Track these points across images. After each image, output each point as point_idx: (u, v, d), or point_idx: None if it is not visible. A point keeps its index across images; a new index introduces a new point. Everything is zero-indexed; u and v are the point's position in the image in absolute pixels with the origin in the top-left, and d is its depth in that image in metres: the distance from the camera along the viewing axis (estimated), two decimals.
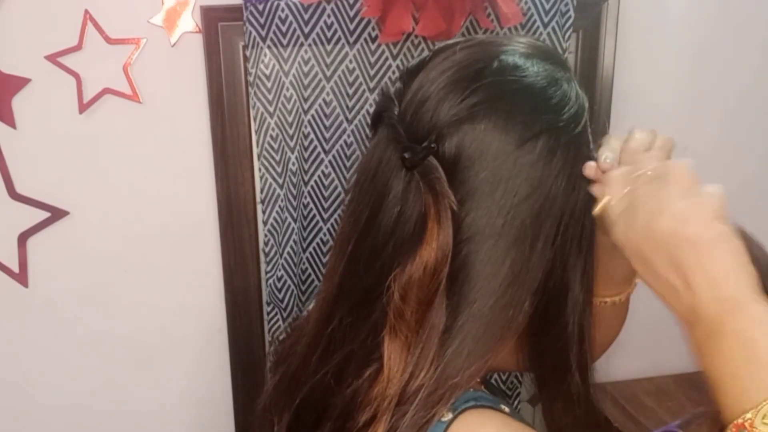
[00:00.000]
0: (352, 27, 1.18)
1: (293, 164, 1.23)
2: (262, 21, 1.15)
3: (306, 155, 1.24)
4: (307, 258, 1.30)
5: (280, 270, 1.27)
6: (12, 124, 1.17)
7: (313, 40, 1.18)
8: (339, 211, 1.28)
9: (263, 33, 1.16)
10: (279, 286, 1.27)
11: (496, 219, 0.56)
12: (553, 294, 0.60)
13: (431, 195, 0.55)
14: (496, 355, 0.58)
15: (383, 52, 1.21)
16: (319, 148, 1.24)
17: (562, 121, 0.58)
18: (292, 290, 1.29)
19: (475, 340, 0.56)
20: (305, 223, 1.28)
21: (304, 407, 0.64)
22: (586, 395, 0.65)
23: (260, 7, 1.14)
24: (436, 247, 0.55)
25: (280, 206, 1.24)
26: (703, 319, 0.51)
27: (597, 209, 0.58)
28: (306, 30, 1.17)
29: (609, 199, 0.56)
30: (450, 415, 0.57)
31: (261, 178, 1.23)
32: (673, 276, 0.52)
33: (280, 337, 0.78)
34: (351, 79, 1.21)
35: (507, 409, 0.60)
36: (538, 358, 0.66)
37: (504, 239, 0.56)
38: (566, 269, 0.60)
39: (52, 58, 1.14)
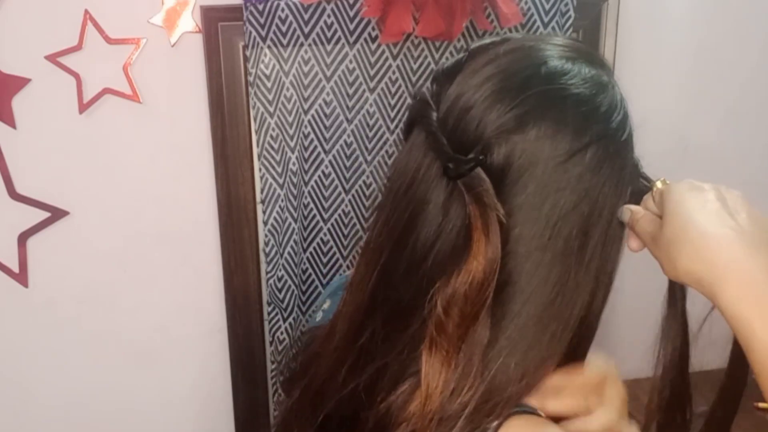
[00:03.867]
0: (352, 27, 1.18)
1: (293, 164, 1.23)
2: (262, 21, 1.15)
3: (306, 155, 1.24)
4: (307, 258, 1.30)
5: (280, 270, 1.27)
6: (12, 124, 1.17)
7: (313, 40, 1.18)
8: (339, 211, 1.28)
9: (263, 33, 1.16)
10: (279, 286, 1.27)
11: (543, 231, 0.54)
12: (600, 302, 0.59)
13: (478, 207, 0.53)
14: (548, 369, 0.56)
15: (383, 52, 1.21)
16: (319, 148, 1.24)
17: (610, 129, 0.56)
18: (293, 290, 1.29)
19: (523, 354, 0.55)
20: (305, 223, 1.28)
21: (330, 421, 0.62)
22: None
23: (260, 7, 1.14)
24: (483, 260, 0.53)
25: (280, 206, 1.24)
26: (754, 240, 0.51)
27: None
28: (306, 30, 1.17)
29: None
30: (495, 422, 0.55)
31: (261, 178, 1.23)
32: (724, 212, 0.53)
33: (291, 352, 0.75)
34: (351, 79, 1.21)
35: (543, 414, 0.59)
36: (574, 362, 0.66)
37: (550, 251, 0.55)
38: (610, 275, 0.59)
39: (52, 58, 1.14)
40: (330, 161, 1.25)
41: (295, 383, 0.69)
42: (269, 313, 1.29)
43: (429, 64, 1.23)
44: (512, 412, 0.56)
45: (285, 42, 1.17)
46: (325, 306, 0.81)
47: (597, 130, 0.55)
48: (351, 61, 1.21)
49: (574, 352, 0.62)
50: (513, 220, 0.54)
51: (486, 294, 0.53)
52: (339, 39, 1.19)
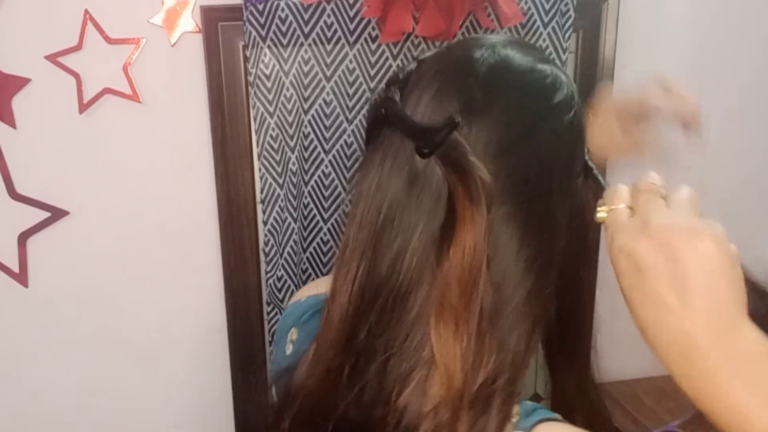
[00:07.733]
0: (352, 27, 1.18)
1: (293, 164, 1.23)
2: (262, 21, 1.15)
3: (306, 155, 1.24)
4: (307, 258, 1.30)
5: (280, 270, 1.27)
6: (12, 124, 1.17)
7: (313, 40, 1.18)
8: (339, 211, 1.28)
9: (263, 33, 1.16)
10: (279, 286, 1.27)
11: (520, 191, 0.56)
12: (569, 269, 0.61)
13: (457, 174, 0.54)
14: (541, 325, 0.57)
15: (383, 52, 1.21)
16: (319, 148, 1.24)
17: (564, 102, 0.59)
18: (292, 290, 1.29)
19: (524, 312, 0.56)
20: (305, 223, 1.28)
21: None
22: (591, 377, 0.66)
23: (260, 7, 1.14)
24: (472, 227, 0.53)
25: (280, 206, 1.24)
26: (699, 345, 0.48)
27: (600, 218, 0.56)
28: (306, 30, 1.17)
29: (619, 206, 0.55)
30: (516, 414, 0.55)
31: (261, 178, 1.23)
32: (670, 293, 0.49)
33: (275, 384, 0.72)
34: (351, 79, 1.22)
35: (559, 417, 0.59)
36: (557, 339, 0.65)
37: (526, 205, 0.56)
38: (576, 244, 0.61)
39: (52, 58, 1.14)
40: (330, 161, 1.25)
41: (284, 412, 0.65)
42: (268, 313, 1.29)
43: None
44: (543, 419, 0.57)
45: (285, 42, 1.17)
46: (294, 336, 0.77)
47: (557, 99, 0.58)
48: (351, 61, 1.21)
49: (558, 330, 0.63)
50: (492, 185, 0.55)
51: (480, 259, 0.53)
52: (339, 39, 1.19)
